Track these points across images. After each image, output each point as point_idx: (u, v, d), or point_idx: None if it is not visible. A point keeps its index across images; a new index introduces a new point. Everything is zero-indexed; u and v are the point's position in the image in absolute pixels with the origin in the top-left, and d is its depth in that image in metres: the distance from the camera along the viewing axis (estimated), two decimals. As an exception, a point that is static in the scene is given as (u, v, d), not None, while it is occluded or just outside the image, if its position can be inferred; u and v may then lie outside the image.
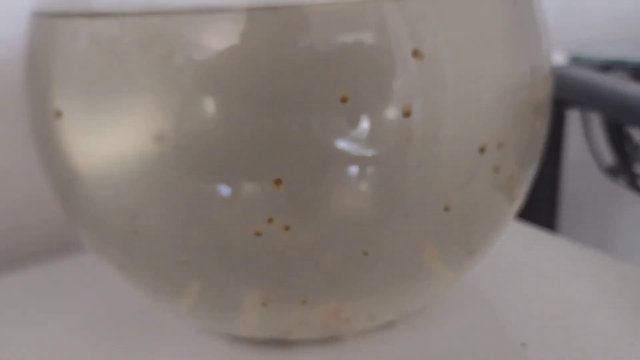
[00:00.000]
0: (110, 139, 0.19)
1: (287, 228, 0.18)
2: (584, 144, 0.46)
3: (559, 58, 0.42)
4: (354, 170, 0.18)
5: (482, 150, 0.19)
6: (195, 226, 0.19)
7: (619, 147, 0.40)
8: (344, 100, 0.17)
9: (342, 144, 0.17)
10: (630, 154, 0.42)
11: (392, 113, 0.17)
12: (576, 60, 0.45)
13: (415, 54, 0.17)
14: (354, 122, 0.17)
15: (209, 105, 0.17)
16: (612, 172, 0.44)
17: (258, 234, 0.18)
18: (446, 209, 0.19)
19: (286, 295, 0.20)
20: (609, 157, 0.44)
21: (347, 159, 0.17)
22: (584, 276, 0.28)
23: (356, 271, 0.19)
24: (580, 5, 0.55)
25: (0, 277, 0.33)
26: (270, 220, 0.18)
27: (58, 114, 0.19)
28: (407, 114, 0.17)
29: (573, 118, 0.46)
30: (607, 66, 0.46)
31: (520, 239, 0.31)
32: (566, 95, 0.38)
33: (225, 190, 0.18)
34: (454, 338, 0.24)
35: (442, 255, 0.21)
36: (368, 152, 0.17)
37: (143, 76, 0.18)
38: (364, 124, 0.17)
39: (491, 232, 0.22)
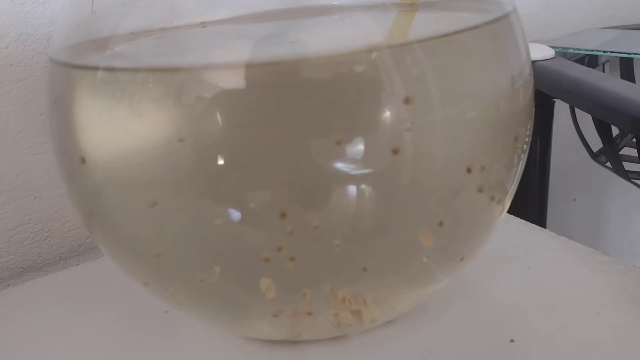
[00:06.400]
0: (129, 176, 0.21)
1: (292, 259, 0.20)
2: (574, 129, 0.48)
3: (548, 52, 0.43)
4: (350, 201, 0.20)
5: (469, 170, 0.21)
6: (209, 247, 0.21)
7: (605, 133, 0.42)
8: (338, 143, 0.19)
9: (338, 178, 0.19)
10: (616, 139, 0.43)
11: (382, 151, 0.19)
12: (564, 53, 0.46)
13: (407, 100, 0.19)
14: (348, 161, 0.19)
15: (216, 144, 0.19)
16: (600, 157, 0.46)
17: (266, 260, 0.20)
18: (440, 223, 0.21)
19: (295, 309, 0.22)
20: (597, 142, 0.46)
21: (344, 190, 0.19)
22: (572, 272, 0.30)
23: (357, 286, 0.22)
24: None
25: (32, 281, 0.36)
26: (280, 249, 0.20)
27: (82, 160, 0.21)
28: (395, 151, 0.19)
29: (563, 104, 0.48)
30: (594, 57, 0.48)
31: (511, 234, 0.33)
32: (551, 91, 0.39)
33: (235, 214, 0.20)
34: (448, 332, 0.26)
35: (437, 265, 0.23)
36: (362, 184, 0.20)
37: (157, 122, 0.20)
38: (357, 163, 0.19)
39: (480, 240, 0.24)
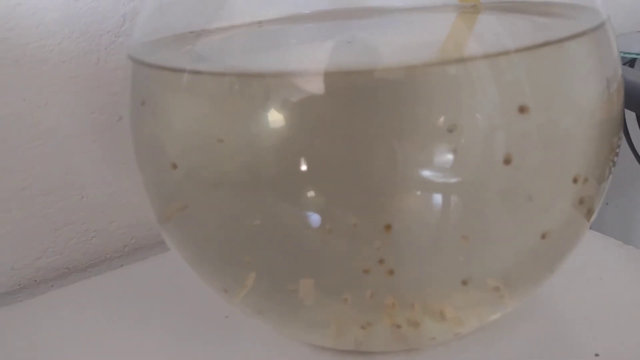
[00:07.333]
0: (223, 181, 0.20)
1: (391, 272, 0.19)
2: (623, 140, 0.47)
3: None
4: (456, 212, 0.19)
5: (575, 180, 0.20)
6: (305, 255, 0.20)
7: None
8: (454, 151, 0.18)
9: (447, 188, 0.19)
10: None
11: (493, 164, 0.18)
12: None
13: (522, 109, 0.18)
14: (456, 171, 0.18)
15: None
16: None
17: (366, 272, 0.20)
18: (543, 236, 0.20)
19: (384, 322, 0.22)
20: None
21: (450, 200, 0.19)
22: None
23: (453, 299, 0.21)
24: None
25: (87, 280, 0.35)
26: (381, 262, 0.19)
27: (174, 166, 0.20)
28: (507, 161, 0.18)
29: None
30: (632, 60, 0.47)
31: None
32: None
33: (336, 224, 0.19)
34: (528, 347, 0.25)
35: (532, 278, 0.22)
36: (469, 195, 0.19)
37: (244, 123, 0.19)
38: (465, 175, 0.18)
39: (571, 253, 0.23)
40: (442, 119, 0.18)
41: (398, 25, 0.30)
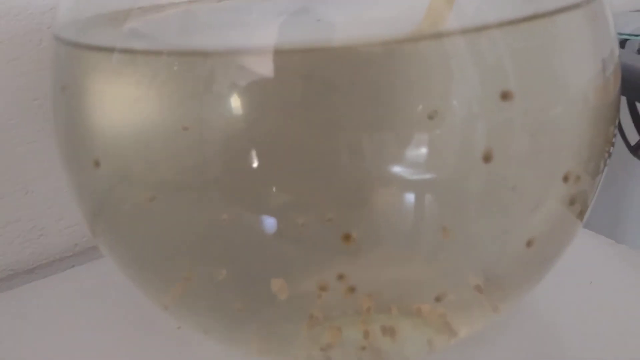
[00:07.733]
0: (155, 181, 0.17)
1: (352, 289, 0.16)
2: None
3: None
4: (427, 216, 0.16)
5: (565, 179, 0.17)
6: (256, 269, 0.17)
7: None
8: (430, 145, 0.15)
9: (412, 188, 0.16)
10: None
11: (470, 160, 0.15)
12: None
13: (505, 95, 0.15)
14: (427, 169, 0.15)
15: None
16: (637, 151, 0.43)
17: (322, 288, 0.17)
18: (528, 243, 0.18)
19: (347, 344, 0.19)
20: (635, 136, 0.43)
21: (421, 203, 0.16)
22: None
23: (425, 319, 0.18)
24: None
25: (34, 282, 0.32)
26: (341, 277, 0.16)
27: (96, 164, 0.17)
28: (487, 158, 0.16)
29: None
30: (623, 41, 0.45)
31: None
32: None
33: (289, 232, 0.16)
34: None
35: (517, 289, 0.19)
36: (443, 197, 0.16)
37: (181, 111, 0.16)
38: (437, 172, 0.16)
39: (560, 258, 0.20)
40: (413, 104, 0.15)
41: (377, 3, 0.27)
